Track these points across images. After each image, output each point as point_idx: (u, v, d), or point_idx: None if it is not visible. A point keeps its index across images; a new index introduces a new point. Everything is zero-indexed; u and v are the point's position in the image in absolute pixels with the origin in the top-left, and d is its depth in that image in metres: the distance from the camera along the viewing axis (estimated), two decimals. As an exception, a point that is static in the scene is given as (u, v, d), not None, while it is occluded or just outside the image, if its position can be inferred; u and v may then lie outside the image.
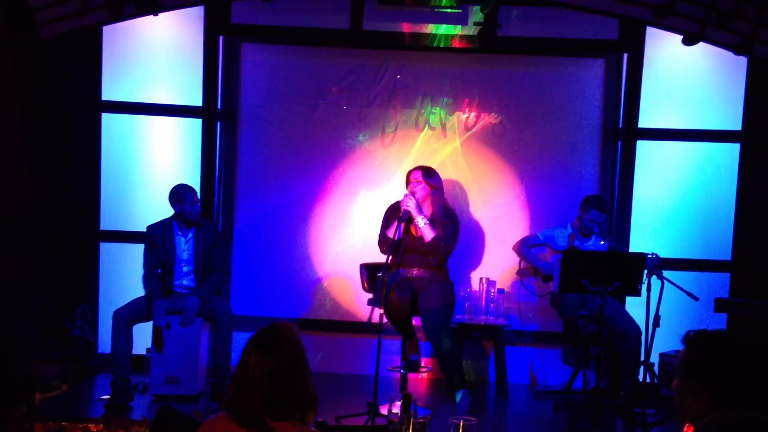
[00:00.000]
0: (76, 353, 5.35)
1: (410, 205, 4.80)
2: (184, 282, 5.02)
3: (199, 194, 5.21)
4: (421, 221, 4.82)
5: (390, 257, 4.61)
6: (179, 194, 4.96)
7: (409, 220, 4.86)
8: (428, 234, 4.83)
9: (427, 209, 4.94)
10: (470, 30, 5.60)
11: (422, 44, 5.70)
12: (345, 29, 5.68)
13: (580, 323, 5.00)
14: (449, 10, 5.51)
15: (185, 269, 5.01)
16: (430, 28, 5.68)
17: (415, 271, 4.97)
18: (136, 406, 4.69)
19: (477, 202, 5.87)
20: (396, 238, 4.75)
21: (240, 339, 5.10)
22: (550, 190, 5.83)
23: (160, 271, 5.04)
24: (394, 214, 4.97)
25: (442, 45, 5.68)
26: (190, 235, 5.02)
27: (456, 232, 4.98)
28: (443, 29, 5.66)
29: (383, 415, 4.22)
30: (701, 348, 2.06)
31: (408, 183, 4.96)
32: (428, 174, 4.95)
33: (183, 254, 5.00)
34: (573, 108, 5.84)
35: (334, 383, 5.46)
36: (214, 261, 5.06)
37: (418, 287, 4.91)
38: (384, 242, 4.97)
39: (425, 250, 4.90)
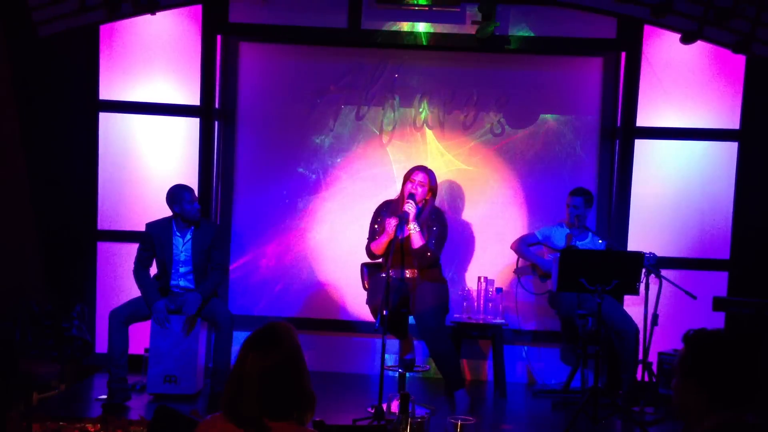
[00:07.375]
0: (73, 353, 5.34)
1: (410, 210, 4.76)
2: (181, 282, 4.99)
3: (197, 193, 5.19)
4: (413, 228, 4.78)
5: (391, 257, 4.59)
6: (177, 194, 4.90)
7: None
8: (417, 241, 4.78)
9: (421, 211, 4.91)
10: (468, 29, 5.59)
11: (420, 43, 5.69)
12: (343, 28, 5.67)
13: (578, 322, 5.00)
14: (448, 9, 5.51)
15: (182, 270, 4.97)
16: (428, 27, 5.68)
17: (407, 272, 4.95)
18: (135, 406, 4.67)
19: (475, 201, 5.87)
20: (400, 236, 4.72)
21: (238, 338, 5.08)
22: (548, 188, 5.82)
23: (157, 271, 5.01)
24: (384, 215, 4.93)
25: (439, 44, 5.68)
26: (189, 236, 4.96)
27: (443, 234, 4.93)
28: (441, 28, 5.66)
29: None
30: (701, 347, 2.06)
31: (408, 182, 4.88)
32: (431, 177, 4.92)
33: (180, 255, 4.95)
34: (571, 107, 5.84)
35: (331, 382, 5.45)
36: (214, 260, 5.03)
37: (411, 288, 4.90)
38: (372, 247, 4.93)
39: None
